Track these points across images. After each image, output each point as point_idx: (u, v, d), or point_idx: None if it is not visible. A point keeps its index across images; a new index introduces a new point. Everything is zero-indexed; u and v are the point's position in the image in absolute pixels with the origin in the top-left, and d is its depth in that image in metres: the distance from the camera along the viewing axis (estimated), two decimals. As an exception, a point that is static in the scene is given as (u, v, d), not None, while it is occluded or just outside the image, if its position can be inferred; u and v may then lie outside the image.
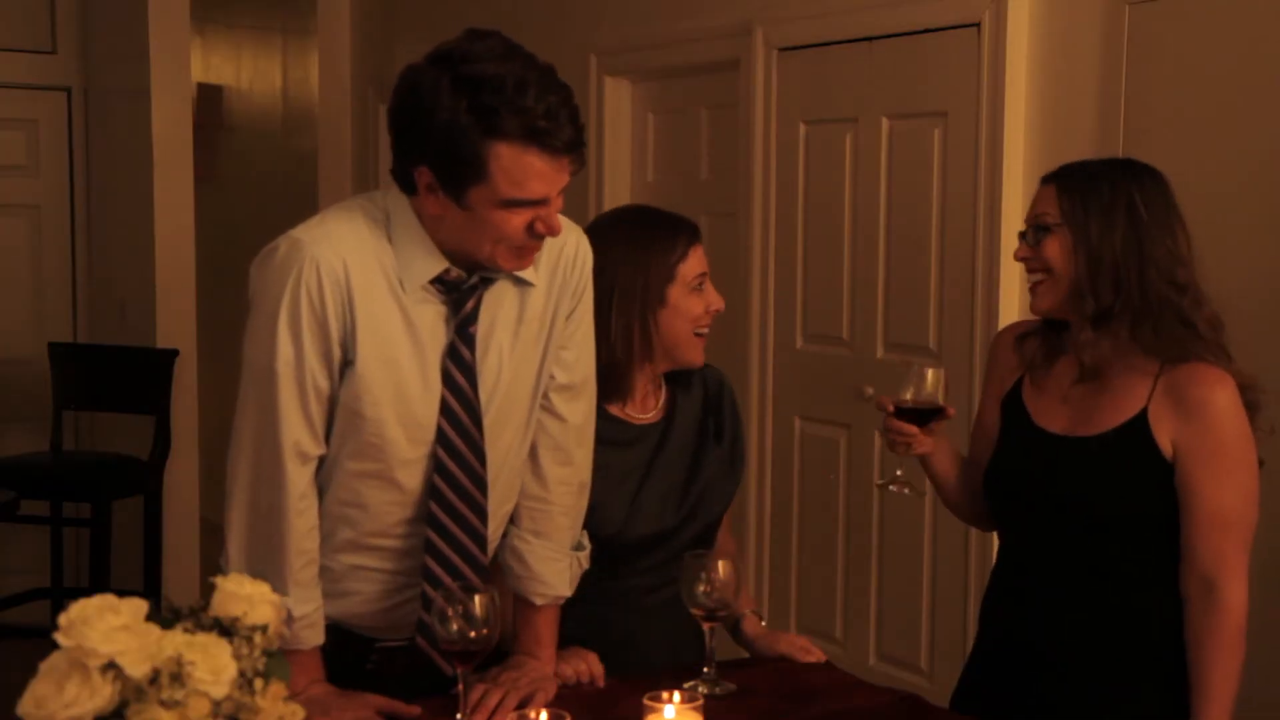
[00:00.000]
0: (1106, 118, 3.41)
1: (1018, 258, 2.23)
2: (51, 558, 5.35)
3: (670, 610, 2.25)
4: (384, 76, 5.86)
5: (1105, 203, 2.14)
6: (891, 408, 2.24)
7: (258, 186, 6.75)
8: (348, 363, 1.94)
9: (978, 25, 3.67)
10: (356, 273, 1.92)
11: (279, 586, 1.85)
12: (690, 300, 2.27)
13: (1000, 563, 2.34)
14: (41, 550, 5.40)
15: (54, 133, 5.81)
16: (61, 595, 5.32)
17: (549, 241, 1.99)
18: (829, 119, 4.17)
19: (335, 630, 2.06)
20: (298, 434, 1.95)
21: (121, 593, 1.36)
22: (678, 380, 2.39)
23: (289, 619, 1.94)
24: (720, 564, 2.07)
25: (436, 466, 2.00)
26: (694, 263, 2.28)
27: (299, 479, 1.96)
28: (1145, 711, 2.18)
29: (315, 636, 2.00)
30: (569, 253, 2.08)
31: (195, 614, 1.39)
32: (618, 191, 4.95)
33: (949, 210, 3.82)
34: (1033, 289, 2.21)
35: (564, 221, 2.01)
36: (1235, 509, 2.11)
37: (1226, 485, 2.10)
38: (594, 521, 2.22)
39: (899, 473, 2.33)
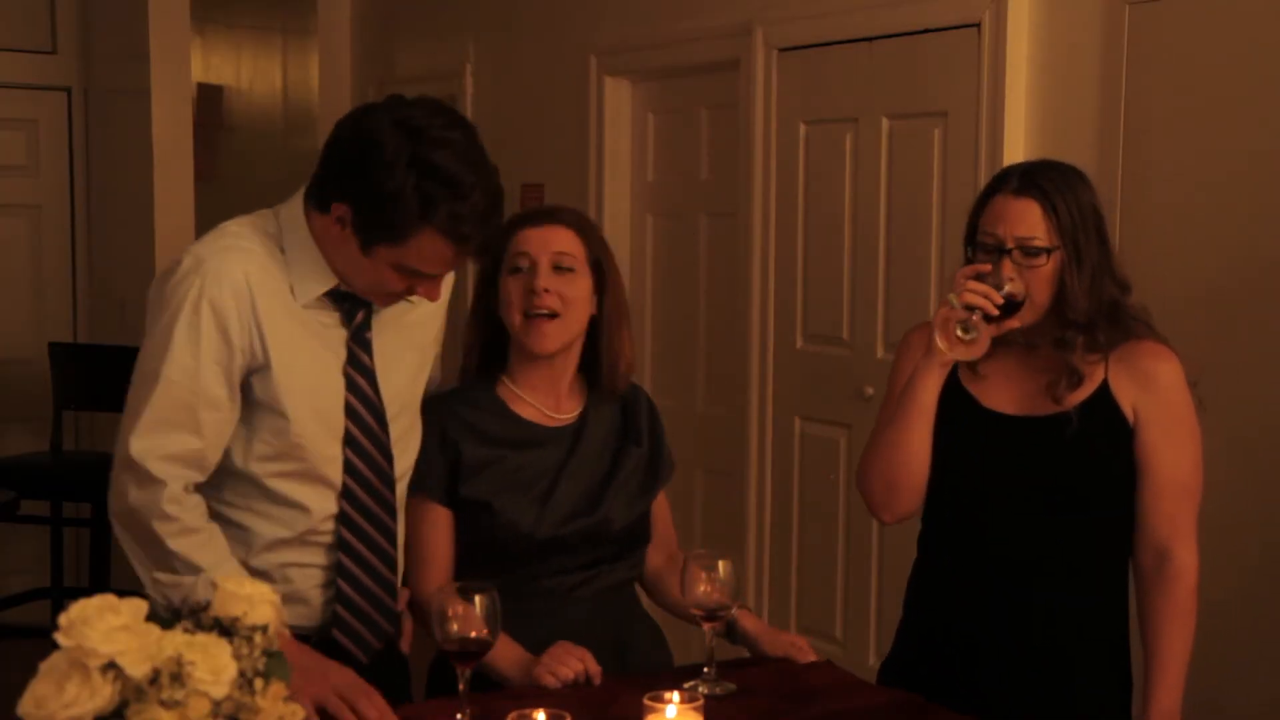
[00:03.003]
0: (1106, 118, 3.41)
1: (1006, 276, 2.12)
2: (51, 558, 5.35)
3: (597, 608, 2.30)
4: (384, 77, 5.85)
5: (1083, 216, 2.15)
6: (985, 268, 2.09)
7: (258, 186, 6.73)
8: (255, 370, 2.02)
9: (978, 25, 3.67)
10: (258, 281, 2.02)
11: (183, 569, 1.99)
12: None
13: (944, 551, 2.31)
14: (41, 550, 5.40)
15: (54, 133, 5.81)
16: (61, 595, 5.31)
17: None
18: (829, 119, 4.17)
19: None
20: (178, 445, 2.00)
21: (121, 593, 1.36)
22: (595, 388, 2.39)
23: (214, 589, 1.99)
24: (720, 564, 2.07)
25: (346, 466, 2.10)
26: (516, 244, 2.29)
27: (176, 483, 2.00)
28: (1095, 706, 2.23)
29: None
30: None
31: (195, 614, 1.39)
32: (618, 191, 4.95)
33: (949, 210, 3.82)
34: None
35: None
36: (1189, 475, 2.20)
37: (1181, 451, 2.19)
38: (504, 523, 2.25)
39: (965, 335, 2.11)
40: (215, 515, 2.08)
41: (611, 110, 4.96)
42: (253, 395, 2.04)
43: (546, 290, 2.25)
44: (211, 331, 1.99)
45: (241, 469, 2.07)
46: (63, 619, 1.29)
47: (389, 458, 2.14)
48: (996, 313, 2.10)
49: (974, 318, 2.10)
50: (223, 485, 2.09)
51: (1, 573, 5.57)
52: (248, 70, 7.08)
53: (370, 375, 2.12)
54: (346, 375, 2.10)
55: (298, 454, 2.07)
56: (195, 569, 2.00)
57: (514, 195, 5.31)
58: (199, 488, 2.06)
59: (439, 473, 2.28)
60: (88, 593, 1.33)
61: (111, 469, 2.05)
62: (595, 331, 2.35)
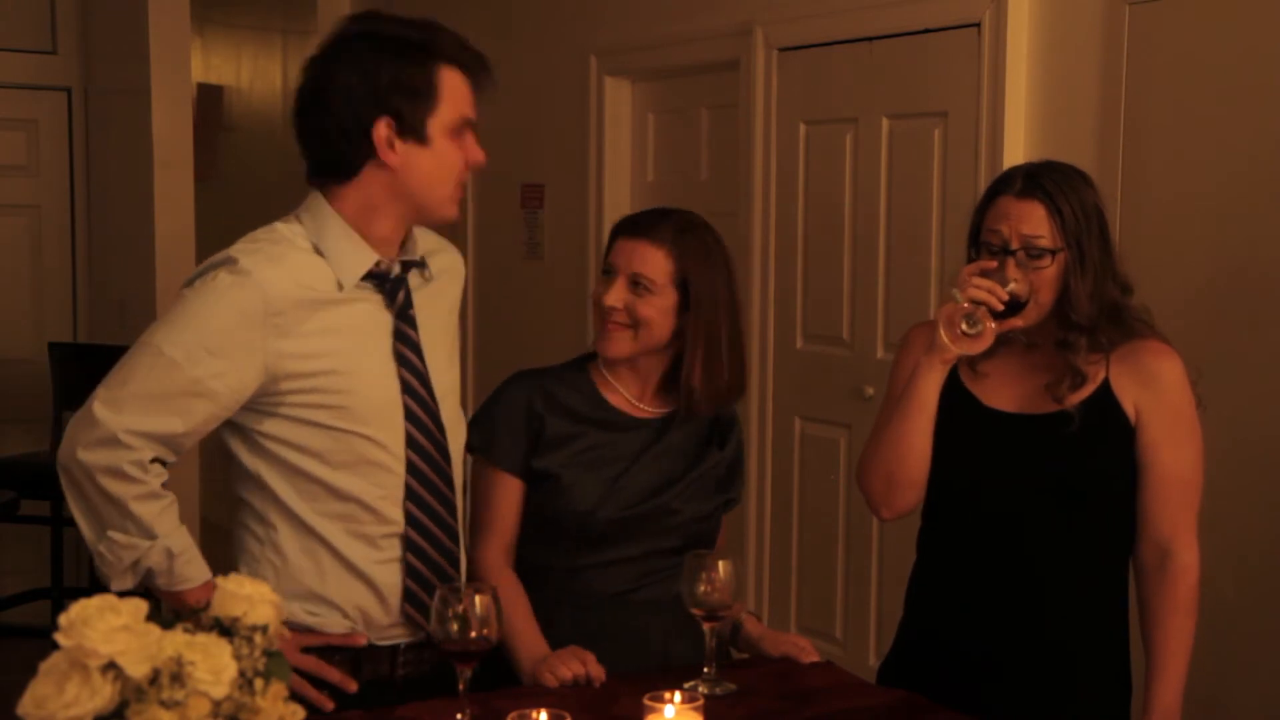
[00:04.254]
0: (1106, 118, 3.41)
1: (1010, 277, 2.13)
2: (51, 558, 5.35)
3: (650, 616, 2.30)
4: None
5: (1087, 218, 2.15)
6: (990, 265, 2.11)
7: (258, 186, 6.75)
8: (292, 374, 2.02)
9: (978, 25, 3.67)
10: (299, 287, 2.03)
11: (138, 533, 1.98)
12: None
13: (944, 550, 2.31)
14: (41, 550, 5.40)
15: (54, 133, 5.81)
16: (61, 595, 5.32)
17: (447, 258, 2.25)
18: (829, 119, 4.17)
19: (365, 651, 2.12)
20: (157, 426, 1.99)
21: (121, 593, 1.36)
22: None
23: (169, 557, 2.01)
24: (720, 564, 2.07)
25: (408, 440, 2.11)
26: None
27: (144, 452, 1.99)
28: (1094, 705, 2.24)
29: (203, 570, 2.05)
30: (458, 265, 2.31)
31: (195, 614, 1.38)
32: (618, 191, 4.95)
33: (949, 210, 3.82)
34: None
35: (445, 242, 2.30)
36: (1190, 472, 2.20)
37: (1182, 449, 2.19)
38: (569, 498, 2.27)
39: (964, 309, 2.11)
40: (300, 528, 2.09)
41: (611, 110, 4.96)
42: (304, 394, 2.04)
43: (613, 308, 2.29)
44: (233, 329, 1.99)
45: (313, 474, 2.07)
46: (63, 619, 1.28)
47: (442, 430, 2.15)
48: (1001, 308, 2.10)
49: (979, 311, 2.10)
50: (297, 496, 2.09)
51: (1, 573, 5.57)
52: (248, 70, 7.09)
53: (417, 349, 2.13)
54: (397, 353, 2.11)
55: (363, 449, 2.08)
56: (153, 535, 2.00)
57: (514, 195, 5.34)
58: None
59: (518, 445, 2.31)
60: (88, 593, 1.32)
61: (72, 419, 2.02)
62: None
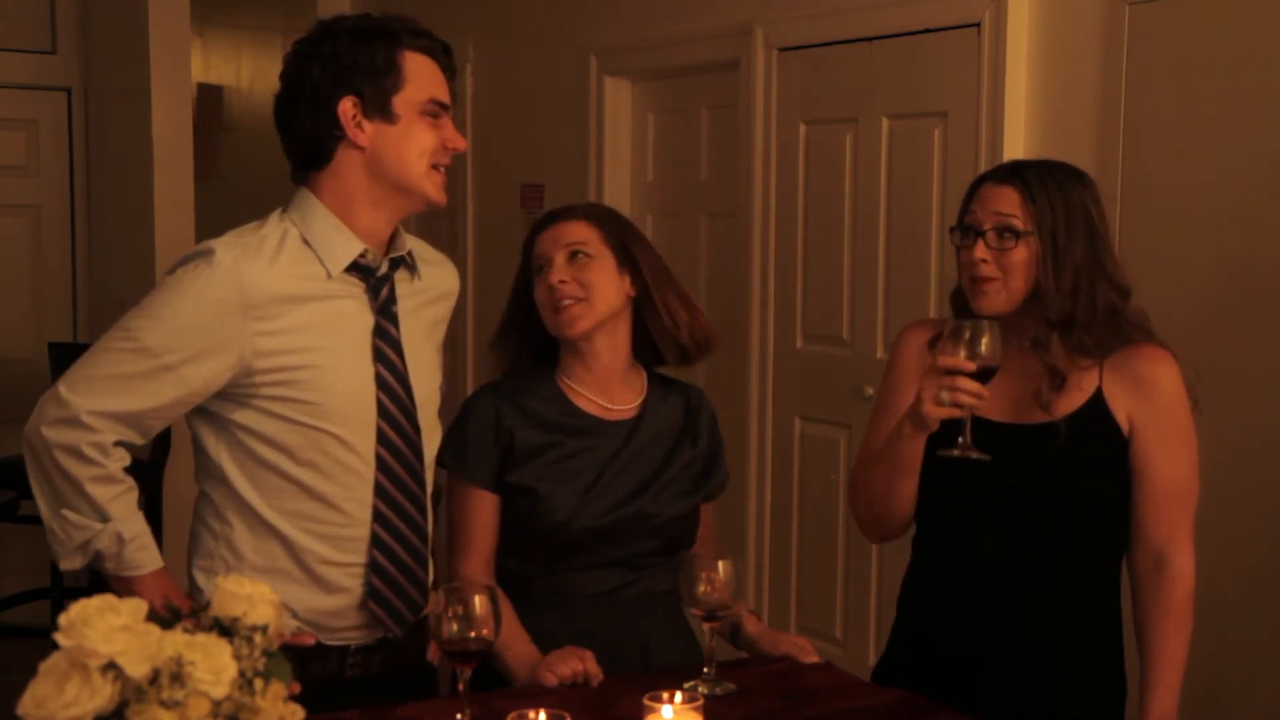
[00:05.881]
0: (1106, 118, 3.41)
1: (976, 258, 2.13)
2: (51, 558, 5.35)
3: (637, 613, 2.30)
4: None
5: (1069, 212, 2.14)
6: (969, 367, 2.04)
7: (258, 186, 6.74)
8: (268, 368, 2.02)
9: (978, 25, 3.67)
10: (281, 280, 2.03)
11: (91, 514, 1.99)
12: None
13: (936, 556, 2.30)
14: (41, 550, 5.35)
15: (54, 133, 5.81)
16: (61, 595, 5.32)
17: (442, 272, 2.26)
18: (829, 119, 4.17)
19: (314, 650, 2.09)
20: (123, 406, 1.99)
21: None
22: (657, 385, 2.42)
23: (119, 541, 2.01)
24: (720, 564, 2.07)
25: (379, 437, 2.10)
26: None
27: (106, 435, 2.00)
28: (1088, 712, 2.23)
29: (154, 558, 2.05)
30: (453, 285, 2.32)
31: (195, 614, 1.39)
32: (618, 191, 4.95)
33: (949, 210, 3.81)
34: (982, 288, 2.15)
35: (445, 259, 2.32)
36: (1186, 480, 2.19)
37: (1178, 456, 2.18)
38: (543, 510, 2.26)
39: (962, 440, 2.09)
40: (258, 526, 2.08)
41: (611, 110, 4.96)
42: (277, 388, 2.04)
43: (562, 281, 2.28)
44: (208, 320, 1.99)
45: (278, 468, 2.07)
46: (63, 619, 1.29)
47: (417, 429, 2.14)
48: (982, 405, 2.05)
49: (963, 406, 2.05)
50: (258, 492, 2.08)
51: (1, 573, 5.57)
52: (248, 70, 7.09)
53: (397, 346, 2.13)
54: (375, 349, 2.11)
55: (330, 448, 2.07)
56: (106, 517, 2.01)
57: (514, 195, 5.34)
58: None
59: (489, 460, 2.30)
60: (88, 593, 1.33)
61: (43, 395, 2.03)
62: (641, 312, 2.36)
